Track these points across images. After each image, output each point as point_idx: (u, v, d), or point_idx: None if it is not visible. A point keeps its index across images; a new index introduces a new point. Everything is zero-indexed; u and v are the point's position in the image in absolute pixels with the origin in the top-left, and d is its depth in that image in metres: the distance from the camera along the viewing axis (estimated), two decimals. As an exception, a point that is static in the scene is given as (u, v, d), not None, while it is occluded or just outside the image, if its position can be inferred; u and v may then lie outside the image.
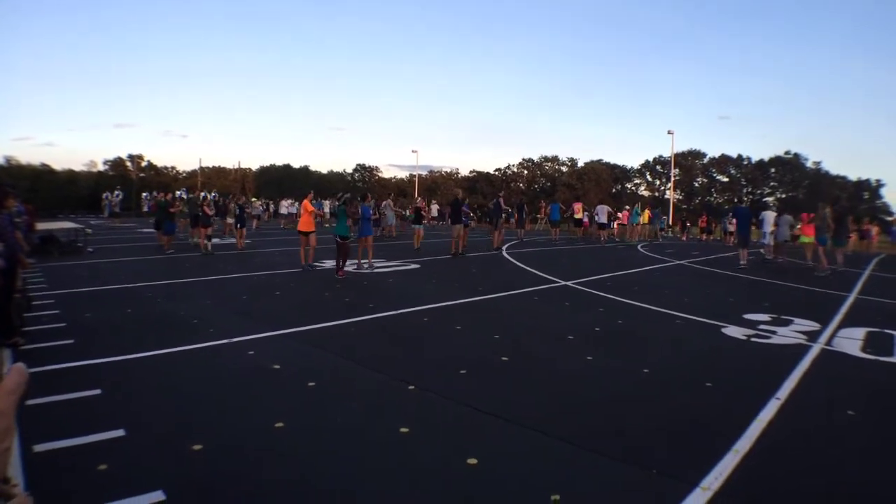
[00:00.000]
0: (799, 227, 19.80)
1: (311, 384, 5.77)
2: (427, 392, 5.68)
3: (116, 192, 39.48)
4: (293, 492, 3.74)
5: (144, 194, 42.96)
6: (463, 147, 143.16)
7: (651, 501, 3.73)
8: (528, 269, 15.85)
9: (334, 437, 4.59)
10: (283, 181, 76.44)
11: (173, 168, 78.17)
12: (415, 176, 76.74)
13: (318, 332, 8.00)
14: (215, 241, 19.78)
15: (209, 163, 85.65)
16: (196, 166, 76.18)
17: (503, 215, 23.35)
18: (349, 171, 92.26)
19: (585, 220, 31.34)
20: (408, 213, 34.15)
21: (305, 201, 15.55)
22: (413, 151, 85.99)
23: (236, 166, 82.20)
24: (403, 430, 4.71)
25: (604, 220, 29.11)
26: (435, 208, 45.15)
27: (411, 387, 5.79)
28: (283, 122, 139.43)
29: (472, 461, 4.17)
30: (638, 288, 13.05)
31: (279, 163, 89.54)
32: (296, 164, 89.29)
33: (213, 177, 77.83)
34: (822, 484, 4.12)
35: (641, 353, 7.45)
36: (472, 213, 27.66)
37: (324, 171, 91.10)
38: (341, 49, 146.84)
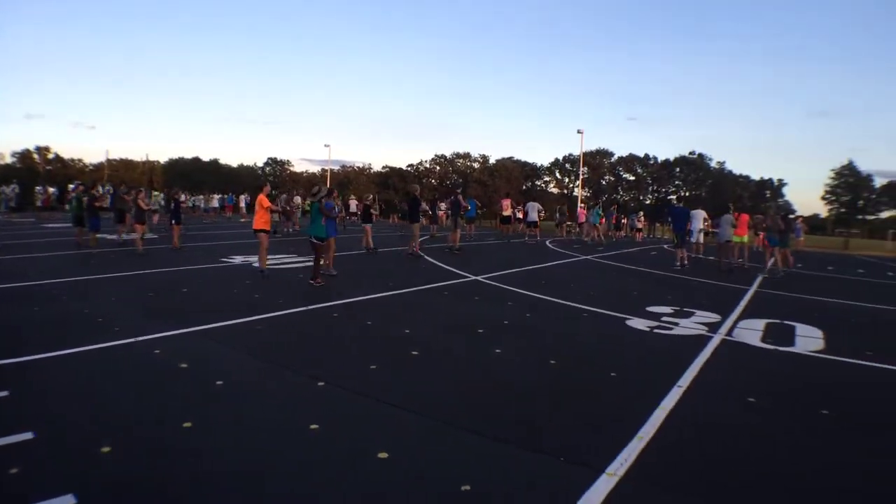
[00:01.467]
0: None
1: (218, 383, 5.61)
2: (337, 388, 5.63)
3: (12, 186, 37.35)
4: (204, 492, 3.65)
5: (38, 188, 40.68)
6: (376, 142, 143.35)
7: (559, 488, 3.82)
8: (441, 265, 15.93)
9: (244, 435, 4.48)
10: (193, 174, 74.79)
11: (80, 160, 75.90)
12: (327, 170, 76.80)
13: (225, 329, 7.78)
14: (125, 237, 18.81)
15: (117, 155, 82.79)
16: (104, 158, 73.85)
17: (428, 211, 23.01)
18: (260, 164, 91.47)
19: (513, 216, 31.19)
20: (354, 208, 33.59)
21: (262, 195, 13.41)
22: (325, 146, 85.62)
23: (144, 159, 79.51)
24: (314, 426, 4.65)
25: (534, 217, 28.84)
26: (353, 203, 44.55)
27: (321, 383, 5.72)
28: (193, 115, 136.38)
29: (383, 455, 4.17)
30: (546, 282, 13.39)
31: (188, 155, 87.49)
32: (205, 157, 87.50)
33: (120, 169, 75.52)
34: (723, 467, 4.34)
35: (549, 345, 7.65)
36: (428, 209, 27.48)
37: (234, 164, 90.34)
38: (253, 41, 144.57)
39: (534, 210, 28.77)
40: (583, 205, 39.20)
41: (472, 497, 3.66)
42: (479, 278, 13.38)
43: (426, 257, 17.73)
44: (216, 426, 4.63)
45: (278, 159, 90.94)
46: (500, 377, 6.25)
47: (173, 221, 18.05)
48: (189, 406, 5.01)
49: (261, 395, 5.42)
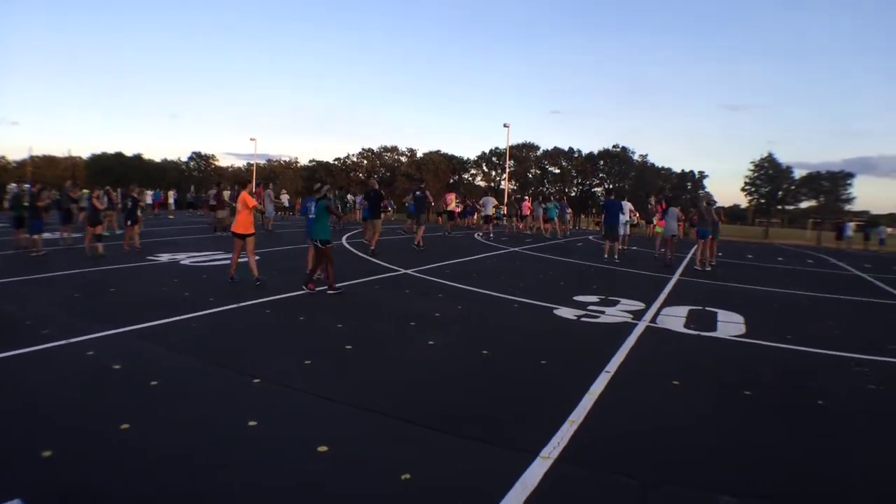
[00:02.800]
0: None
1: (153, 383, 5.54)
2: (273, 384, 5.66)
3: None
4: (147, 493, 3.65)
5: None
6: (302, 136, 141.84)
7: (496, 473, 4.00)
8: (372, 259, 15.93)
9: (182, 434, 4.48)
10: (116, 170, 73.36)
11: (3, 157, 73.83)
12: (252, 165, 76.07)
13: (158, 328, 7.63)
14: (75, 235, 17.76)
15: (40, 151, 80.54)
16: (27, 155, 71.50)
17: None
18: (184, 159, 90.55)
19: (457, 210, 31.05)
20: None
21: (244, 193, 11.69)
22: (251, 140, 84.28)
23: (67, 155, 76.71)
24: (252, 423, 4.68)
25: (489, 212, 28.59)
26: (285, 198, 43.85)
27: (256, 380, 5.74)
28: (116, 109, 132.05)
29: (323, 449, 4.25)
30: (476, 275, 13.62)
31: (111, 151, 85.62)
32: (128, 153, 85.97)
33: (42, 166, 73.55)
34: (649, 446, 4.63)
35: (480, 336, 7.88)
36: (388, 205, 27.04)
37: (157, 159, 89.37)
38: (177, 34, 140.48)
39: (489, 205, 28.63)
40: (528, 198, 39.62)
41: (412, 485, 3.80)
42: (409, 272, 13.50)
43: (355, 252, 17.71)
44: (154, 427, 4.60)
45: (203, 154, 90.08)
46: (433, 368, 6.42)
47: (129, 222, 16.87)
48: (126, 408, 4.94)
49: (197, 394, 5.42)
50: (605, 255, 18.43)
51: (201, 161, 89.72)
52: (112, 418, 4.69)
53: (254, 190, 13.17)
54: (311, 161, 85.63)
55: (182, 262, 13.69)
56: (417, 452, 4.33)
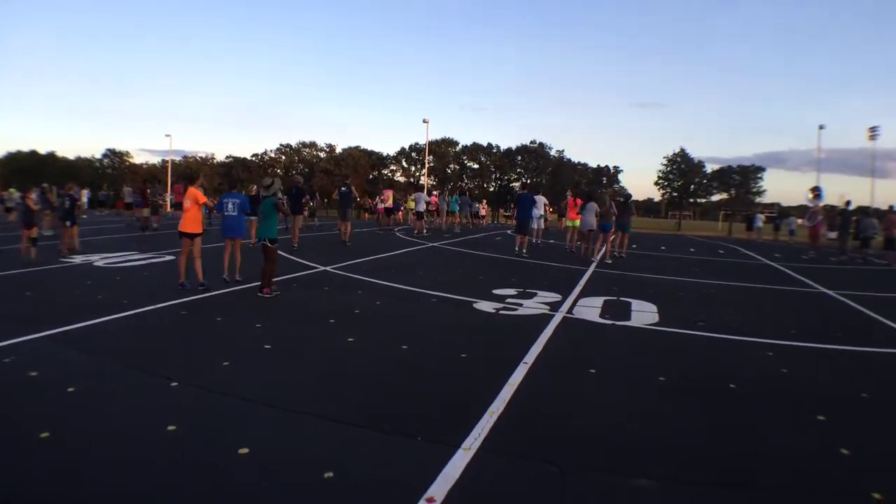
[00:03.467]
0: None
1: (70, 389, 5.31)
2: (192, 386, 5.51)
3: None
4: (74, 501, 3.55)
5: None
6: (219, 132, 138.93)
7: (419, 467, 4.01)
8: (290, 257, 15.70)
9: (101, 441, 4.30)
10: (32, 169, 70.69)
11: None
12: (168, 161, 74.51)
13: (73, 333, 7.25)
14: None
15: None
16: None
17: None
18: (98, 156, 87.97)
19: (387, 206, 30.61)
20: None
21: (193, 188, 10.79)
22: (167, 136, 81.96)
23: None
24: (171, 427, 4.55)
25: (422, 208, 27.77)
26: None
27: (174, 383, 5.57)
28: (26, 105, 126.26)
29: (244, 451, 4.17)
30: (395, 270, 13.63)
31: (25, 148, 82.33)
32: (42, 150, 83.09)
33: None
34: (568, 434, 4.75)
35: (400, 331, 7.88)
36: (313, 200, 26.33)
37: (71, 156, 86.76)
38: (91, 29, 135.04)
39: (421, 201, 27.95)
40: (436, 193, 39.73)
41: (335, 483, 3.77)
42: (328, 269, 13.37)
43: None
44: (74, 435, 4.42)
45: (117, 150, 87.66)
46: (354, 365, 6.38)
47: (68, 222, 15.80)
48: (44, 416, 4.73)
49: (115, 399, 5.21)
50: (517, 249, 18.47)
51: (115, 158, 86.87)
52: (31, 427, 4.47)
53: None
54: (227, 157, 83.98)
55: (96, 264, 13.15)
56: (340, 450, 4.30)
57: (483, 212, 43.85)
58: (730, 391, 6.00)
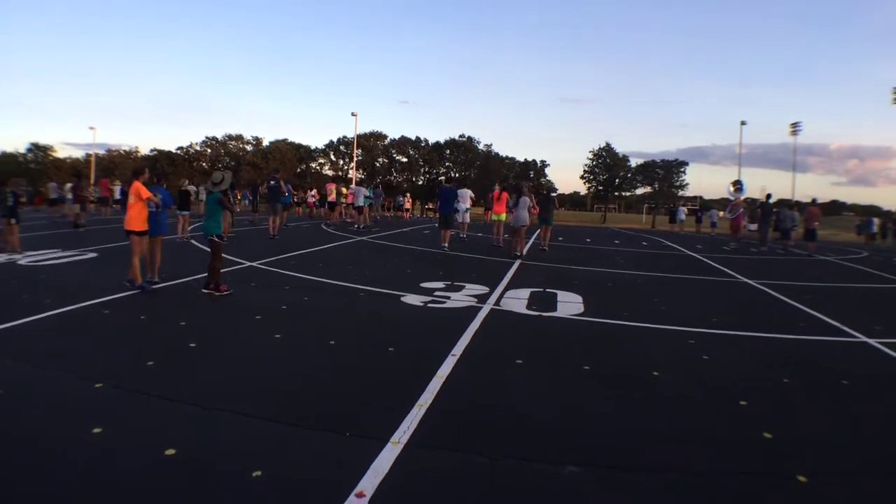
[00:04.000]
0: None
1: None
2: (116, 388, 5.31)
3: None
4: None
5: None
6: (144, 125, 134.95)
7: (348, 463, 3.98)
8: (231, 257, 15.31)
9: (24, 447, 4.12)
10: None
11: None
12: (91, 155, 72.81)
13: None
14: None
15: None
16: None
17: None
18: (22, 150, 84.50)
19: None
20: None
21: (137, 183, 10.03)
22: (90, 128, 79.08)
23: None
24: (96, 430, 4.38)
25: (361, 202, 27.21)
26: (118, 188, 40.97)
27: (98, 384, 5.37)
28: None
29: (171, 452, 4.05)
30: (323, 265, 13.47)
31: None
32: None
33: None
34: (496, 424, 4.81)
35: (328, 326, 7.78)
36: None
37: None
38: (12, 19, 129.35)
39: (360, 195, 27.47)
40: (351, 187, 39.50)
41: (264, 482, 3.72)
42: (255, 264, 13.09)
43: (198, 245, 16.99)
44: None
45: (41, 145, 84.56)
46: (281, 362, 6.29)
47: (13, 220, 14.68)
48: None
49: (38, 402, 4.98)
50: (444, 243, 18.27)
51: (39, 153, 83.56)
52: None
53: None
54: (152, 150, 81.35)
55: (20, 263, 12.53)
56: (268, 449, 4.22)
57: (407, 205, 43.96)
58: (653, 378, 6.17)
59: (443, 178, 76.13)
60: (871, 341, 8.33)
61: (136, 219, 9.96)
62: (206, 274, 9.93)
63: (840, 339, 8.52)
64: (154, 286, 10.10)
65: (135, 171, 11.55)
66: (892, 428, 5.21)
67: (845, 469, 4.37)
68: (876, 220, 38.56)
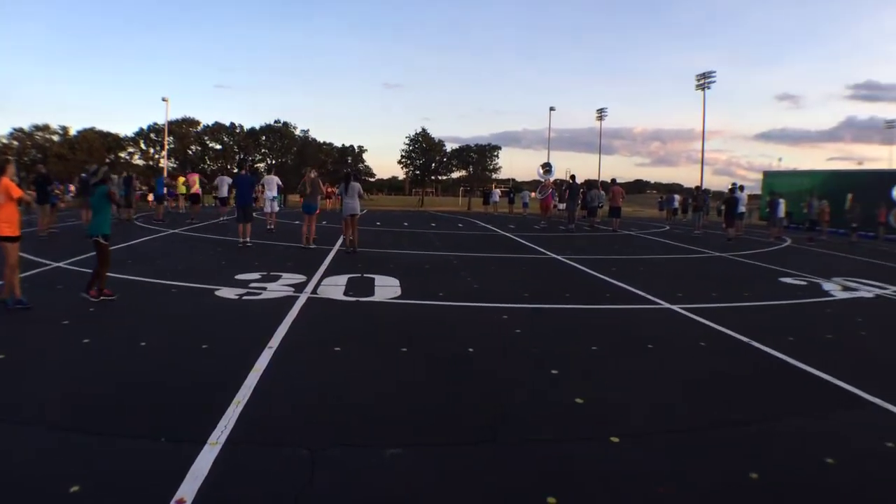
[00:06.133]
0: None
1: None
2: None
3: None
4: None
5: None
6: None
7: (167, 468, 3.78)
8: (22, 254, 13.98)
9: None
10: None
11: None
12: None
13: None
14: None
15: None
16: None
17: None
18: None
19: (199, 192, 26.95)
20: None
21: (5, 179, 8.09)
22: None
23: None
24: None
25: (274, 193, 22.36)
26: None
27: None
28: None
29: None
30: (132, 261, 12.52)
31: None
32: None
33: None
34: (315, 414, 4.80)
35: (139, 327, 7.30)
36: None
37: None
38: None
39: (272, 185, 22.68)
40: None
41: (83, 497, 3.46)
42: (61, 265, 11.81)
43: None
44: None
45: None
46: (92, 369, 5.84)
47: None
48: None
49: None
50: (244, 238, 15.80)
51: None
52: None
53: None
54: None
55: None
56: (84, 461, 3.93)
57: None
58: (469, 355, 6.41)
59: (259, 164, 74.35)
60: (674, 307, 9.11)
61: (7, 223, 8.13)
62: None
63: (645, 307, 9.28)
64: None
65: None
66: (695, 387, 5.78)
67: (653, 428, 4.78)
68: (677, 197, 42.19)
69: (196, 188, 26.60)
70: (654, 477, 3.90)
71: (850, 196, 26.22)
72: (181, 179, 29.28)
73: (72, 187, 31.01)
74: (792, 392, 5.77)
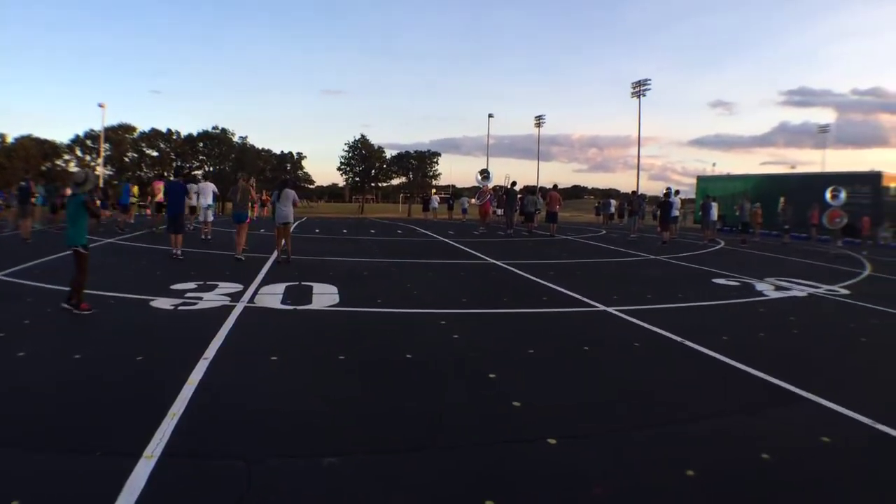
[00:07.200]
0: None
1: None
2: None
3: None
4: None
5: None
6: None
7: (102, 484, 3.69)
8: None
9: None
10: None
11: None
12: None
13: None
14: None
15: None
16: None
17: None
18: None
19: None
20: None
21: None
22: None
23: None
24: None
25: (209, 201, 21.58)
26: None
27: None
28: None
29: None
30: (66, 272, 11.93)
31: None
32: None
33: None
34: (252, 425, 4.75)
35: (73, 339, 7.16)
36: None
37: None
38: None
39: (208, 193, 21.85)
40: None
41: None
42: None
43: None
44: None
45: None
46: (23, 382, 5.65)
47: None
48: None
49: None
50: (175, 250, 14.82)
51: None
52: None
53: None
54: None
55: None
56: (14, 479, 3.81)
57: (160, 197, 41.26)
58: (407, 361, 6.45)
59: (197, 172, 72.96)
60: (609, 309, 9.27)
61: None
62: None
63: (581, 310, 9.44)
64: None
65: None
66: (631, 388, 5.91)
67: (590, 429, 4.89)
68: (613, 202, 42.79)
69: (160, 196, 24.62)
70: (591, 477, 3.99)
71: (782, 199, 27.28)
72: (160, 185, 27.68)
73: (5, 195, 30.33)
74: (727, 390, 5.98)
